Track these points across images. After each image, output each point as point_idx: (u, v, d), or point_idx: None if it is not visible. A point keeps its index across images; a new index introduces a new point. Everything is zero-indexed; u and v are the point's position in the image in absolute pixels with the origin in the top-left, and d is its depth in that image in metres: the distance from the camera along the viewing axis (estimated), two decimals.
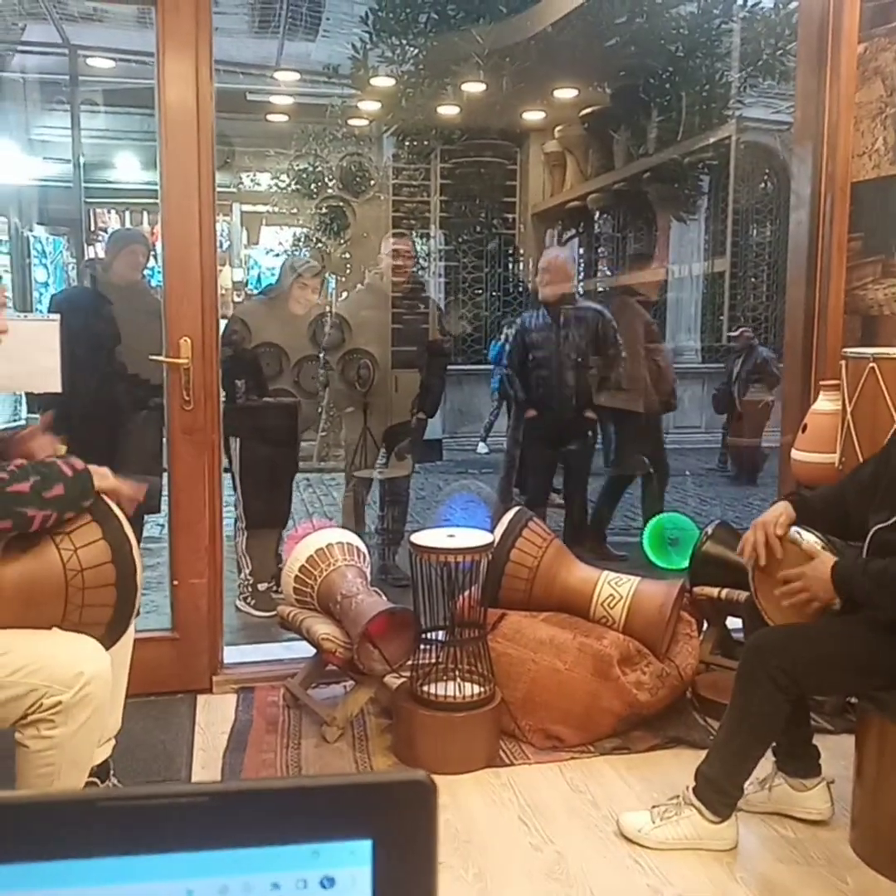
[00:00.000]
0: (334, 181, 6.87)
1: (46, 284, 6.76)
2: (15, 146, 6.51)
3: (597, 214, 7.60)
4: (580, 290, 8.23)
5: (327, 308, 4.47)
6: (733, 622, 2.95)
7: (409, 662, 2.62)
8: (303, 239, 7.68)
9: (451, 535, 2.58)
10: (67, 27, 5.91)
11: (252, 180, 8.40)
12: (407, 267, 4.40)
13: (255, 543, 4.03)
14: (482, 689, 2.55)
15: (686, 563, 3.04)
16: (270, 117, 7.30)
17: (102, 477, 1.93)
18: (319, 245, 6.95)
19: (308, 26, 7.13)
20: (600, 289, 8.28)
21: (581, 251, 8.09)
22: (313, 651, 2.83)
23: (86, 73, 6.28)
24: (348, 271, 6.84)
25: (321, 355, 4.30)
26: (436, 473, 7.00)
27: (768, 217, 9.50)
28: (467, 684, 2.56)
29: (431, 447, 6.76)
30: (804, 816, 2.24)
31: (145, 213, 8.34)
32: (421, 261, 7.28)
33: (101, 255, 4.35)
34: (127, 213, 8.74)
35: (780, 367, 7.01)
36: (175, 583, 2.97)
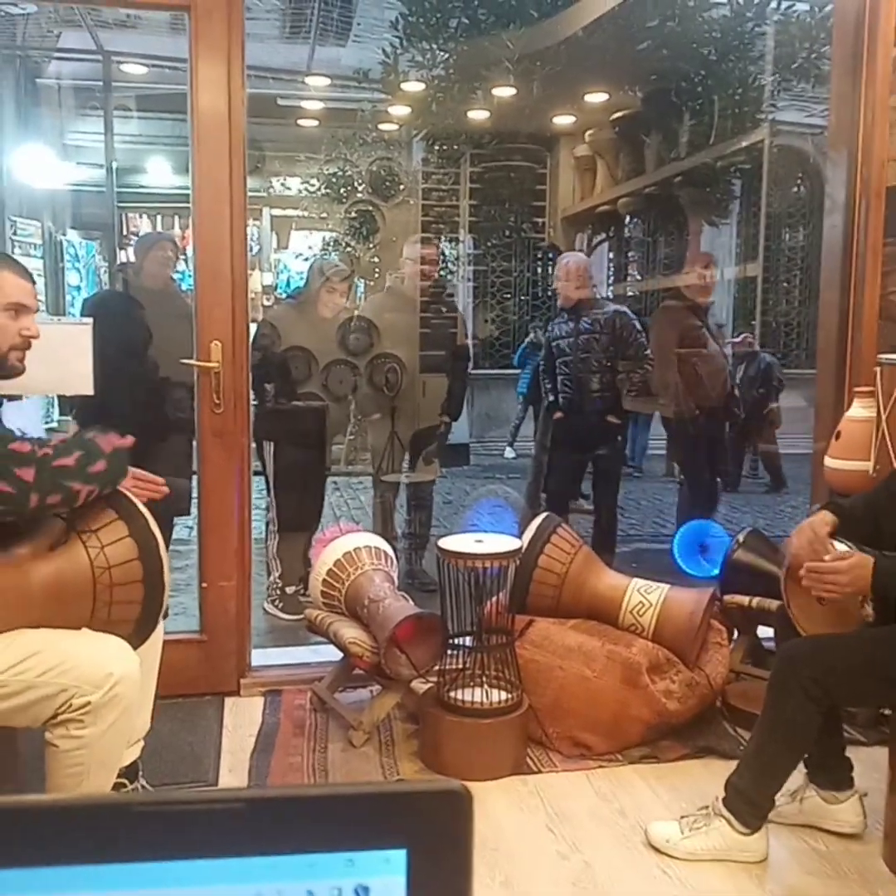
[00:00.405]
0: (364, 185, 6.89)
1: (79, 288, 6.84)
2: (50, 151, 6.60)
3: (627, 218, 7.57)
4: (610, 293, 8.20)
5: (355, 312, 4.48)
6: (764, 631, 2.91)
7: (436, 668, 2.61)
8: (332, 243, 7.71)
9: (479, 541, 2.57)
10: (101, 34, 5.99)
11: (282, 185, 8.45)
12: (429, 272, 4.39)
13: (285, 546, 4.04)
14: (509, 696, 2.54)
15: (717, 571, 3.01)
16: (301, 122, 7.34)
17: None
18: (348, 249, 6.98)
19: (339, 31, 7.17)
20: (630, 293, 8.24)
21: (611, 255, 8.06)
22: (341, 655, 2.83)
23: (119, 79, 6.36)
24: (377, 275, 6.85)
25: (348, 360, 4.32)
26: (463, 478, 7.00)
27: (801, 221, 9.41)
28: (494, 691, 2.55)
29: (459, 451, 6.76)
30: (836, 829, 2.20)
31: (176, 218, 8.42)
32: (450, 265, 7.29)
33: (132, 259, 4.38)
34: (158, 218, 8.83)
35: (783, 373, 6.95)
36: (204, 585, 2.98)
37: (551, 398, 4.55)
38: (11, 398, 2.74)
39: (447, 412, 4.48)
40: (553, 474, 4.67)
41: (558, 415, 4.52)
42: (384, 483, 4.38)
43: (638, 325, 4.49)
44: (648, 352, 4.41)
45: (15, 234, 5.32)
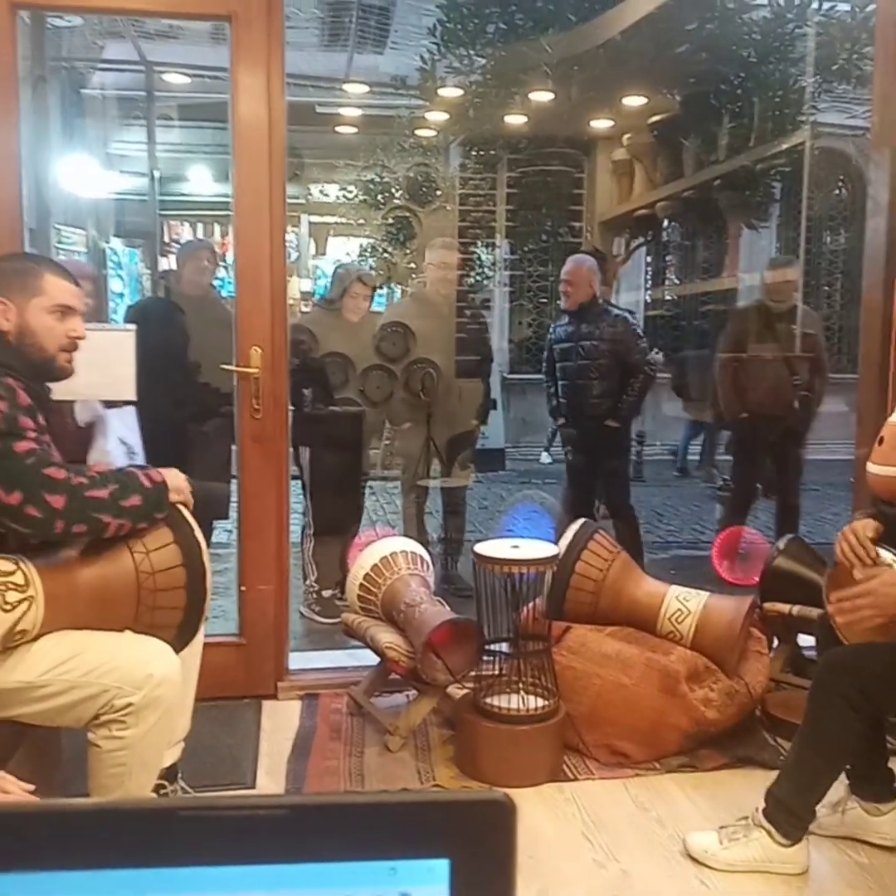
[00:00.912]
0: (401, 192, 6.92)
1: (122, 295, 6.94)
2: (94, 161, 6.71)
3: (665, 223, 7.52)
4: (648, 298, 8.14)
5: (380, 321, 4.49)
6: (805, 640, 2.87)
7: (473, 673, 2.61)
8: (369, 249, 7.75)
9: (516, 546, 2.56)
10: (144, 45, 6.08)
11: (321, 191, 8.51)
12: (453, 277, 4.40)
13: (322, 550, 4.06)
14: (546, 703, 2.53)
15: (756, 578, 2.97)
16: (339, 129, 7.38)
17: (178, 491, 1.97)
18: (386, 255, 7.00)
19: (377, 39, 7.21)
20: (668, 297, 8.17)
21: (649, 259, 8.00)
22: (377, 659, 2.84)
23: (161, 89, 6.45)
24: (414, 280, 6.87)
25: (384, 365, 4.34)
26: (498, 483, 6.98)
27: (842, 224, 9.28)
28: (531, 697, 2.54)
29: (494, 456, 6.74)
30: (878, 842, 2.17)
31: (217, 225, 8.52)
32: (486, 270, 7.28)
33: (174, 266, 4.44)
34: (199, 225, 8.93)
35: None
36: (243, 588, 3.00)
37: (554, 403, 4.50)
38: (110, 404, 2.81)
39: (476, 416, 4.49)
40: (569, 482, 4.60)
41: (560, 421, 4.49)
42: (418, 488, 4.39)
43: (639, 331, 4.45)
44: (650, 358, 4.36)
45: (59, 242, 5.42)
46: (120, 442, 2.73)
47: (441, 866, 0.38)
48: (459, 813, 0.38)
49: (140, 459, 2.75)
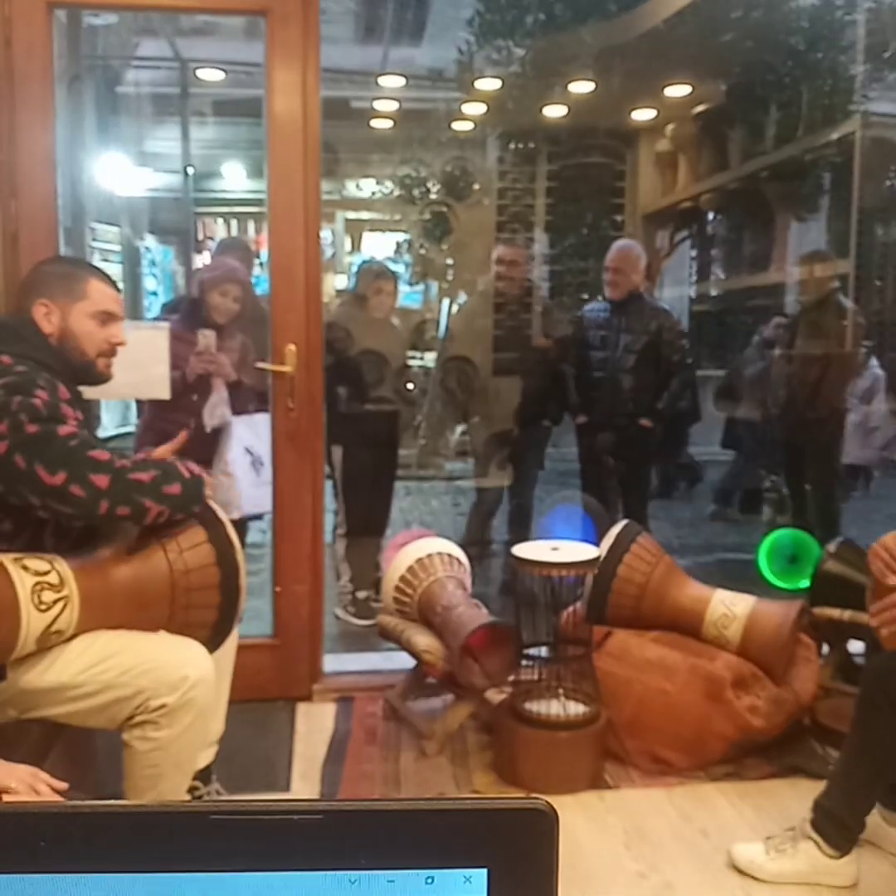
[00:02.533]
0: (438, 186, 6.87)
1: (155, 293, 6.98)
2: (128, 158, 6.75)
3: (710, 215, 7.40)
4: (693, 293, 8.01)
5: (425, 315, 4.44)
6: (856, 646, 2.79)
7: (511, 678, 2.56)
8: (405, 245, 7.72)
9: (555, 549, 2.51)
10: (179, 41, 6.10)
11: (356, 187, 8.49)
12: (515, 275, 4.29)
13: (355, 551, 4.04)
14: (587, 709, 2.48)
15: (806, 583, 2.89)
16: (374, 123, 7.36)
17: (211, 488, 1.97)
18: (422, 251, 6.97)
19: (413, 31, 7.17)
20: (714, 293, 8.04)
21: (694, 253, 7.87)
22: (413, 662, 2.80)
23: (196, 86, 6.47)
24: (451, 277, 6.82)
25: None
26: (538, 484, 6.91)
27: (895, 216, 9.07)
28: (571, 703, 2.49)
29: None
30: (893, 851, 2.12)
31: (251, 222, 8.53)
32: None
33: (209, 263, 4.45)
34: (234, 222, 8.96)
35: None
36: (277, 589, 2.98)
37: (574, 398, 4.21)
38: (239, 411, 2.82)
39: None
40: (584, 486, 4.31)
41: (581, 418, 4.20)
42: (458, 488, 4.33)
43: (683, 330, 4.25)
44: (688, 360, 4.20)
45: (94, 240, 5.45)
46: (246, 451, 2.72)
47: (479, 876, 0.37)
48: (499, 821, 0.37)
49: (266, 470, 2.76)
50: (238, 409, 2.97)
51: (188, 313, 3.16)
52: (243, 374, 3.03)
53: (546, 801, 0.37)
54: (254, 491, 2.68)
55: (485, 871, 0.37)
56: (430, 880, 0.37)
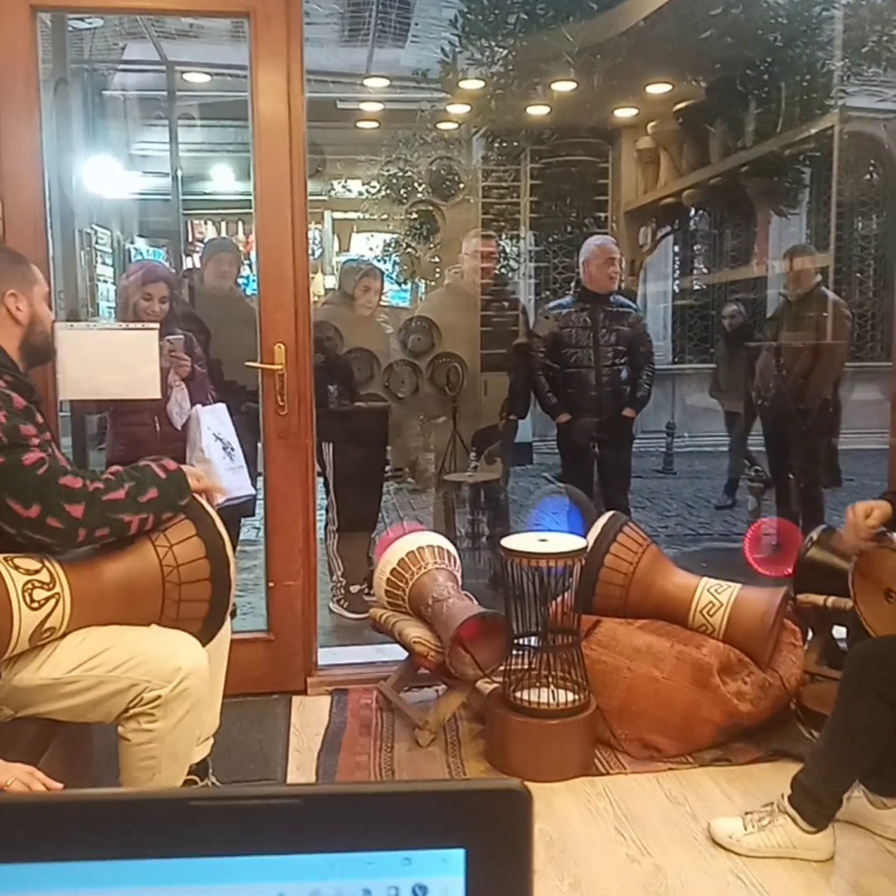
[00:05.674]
0: (424, 186, 6.89)
1: None
2: (117, 162, 6.76)
3: (692, 211, 7.44)
4: (676, 288, 8.06)
5: (415, 313, 4.47)
6: (840, 631, 2.83)
7: (502, 668, 2.60)
8: (393, 244, 7.73)
9: (544, 540, 2.55)
10: (165, 44, 6.10)
11: (343, 187, 8.50)
12: (490, 267, 4.33)
13: (347, 546, 4.07)
14: (576, 697, 2.51)
15: (789, 570, 2.93)
16: (360, 124, 7.37)
17: (197, 478, 1.98)
18: (409, 250, 6.98)
19: (397, 33, 7.19)
20: (697, 287, 8.09)
21: (676, 248, 7.92)
22: (406, 654, 2.83)
23: (182, 89, 6.47)
24: (438, 275, 6.85)
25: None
26: (526, 477, 6.95)
27: (874, 209, 9.13)
28: (561, 691, 2.52)
29: (522, 451, 6.68)
30: (880, 833, 2.16)
31: (240, 223, 8.54)
32: (511, 262, 7.24)
33: (198, 264, 4.47)
34: (223, 224, 8.96)
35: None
36: (270, 584, 3.01)
37: (552, 399, 4.20)
38: (202, 403, 2.85)
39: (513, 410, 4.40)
40: (564, 478, 4.32)
41: (564, 417, 4.19)
42: (447, 483, 4.37)
43: (646, 322, 4.35)
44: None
45: (97, 243, 5.46)
46: (215, 437, 2.76)
47: (456, 856, 0.37)
48: (475, 802, 0.38)
49: (238, 454, 2.80)
50: (196, 402, 2.99)
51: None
52: (196, 366, 3.08)
53: (520, 781, 0.38)
54: (230, 475, 2.73)
55: (462, 850, 0.37)
56: (407, 861, 0.37)
